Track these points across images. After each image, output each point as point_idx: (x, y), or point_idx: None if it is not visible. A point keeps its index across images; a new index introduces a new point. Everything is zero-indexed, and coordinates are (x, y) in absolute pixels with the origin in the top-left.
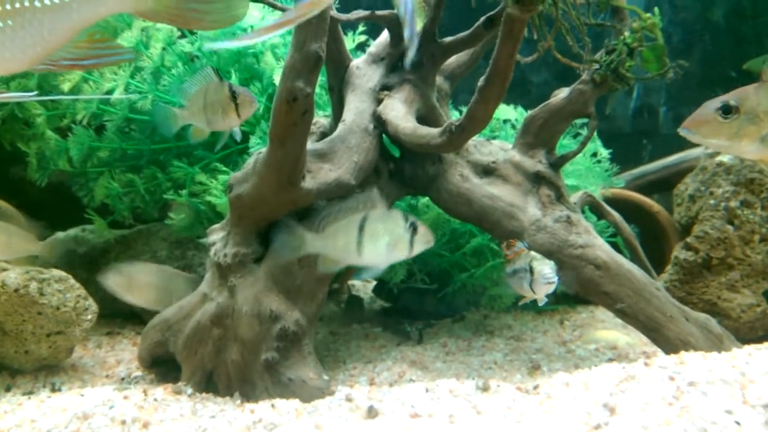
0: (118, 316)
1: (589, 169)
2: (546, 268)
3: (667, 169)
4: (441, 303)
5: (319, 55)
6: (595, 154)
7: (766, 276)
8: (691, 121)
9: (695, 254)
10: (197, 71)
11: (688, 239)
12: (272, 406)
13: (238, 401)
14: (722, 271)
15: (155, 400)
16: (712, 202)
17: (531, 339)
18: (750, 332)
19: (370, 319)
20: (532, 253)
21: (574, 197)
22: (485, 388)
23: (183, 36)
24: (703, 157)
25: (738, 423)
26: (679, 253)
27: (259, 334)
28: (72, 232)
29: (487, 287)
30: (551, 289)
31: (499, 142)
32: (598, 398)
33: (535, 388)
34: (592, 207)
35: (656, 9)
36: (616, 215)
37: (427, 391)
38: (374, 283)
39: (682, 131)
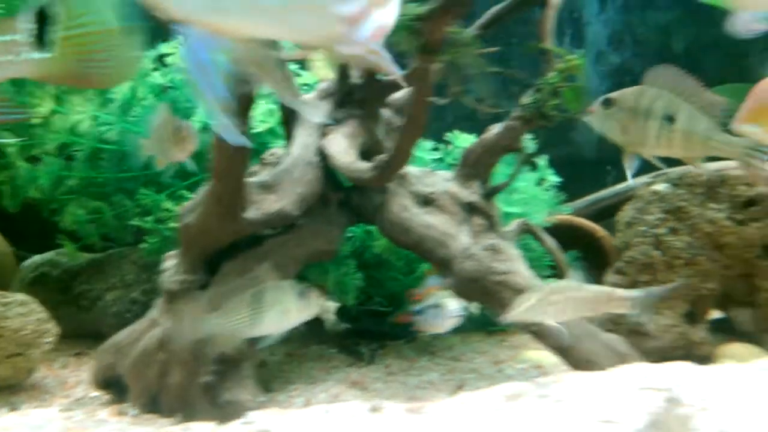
0: (88, 337)
1: (534, 197)
2: (454, 304)
3: (617, 196)
4: (396, 325)
5: (251, 96)
6: (540, 182)
7: (687, 299)
8: (591, 110)
9: (624, 278)
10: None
11: (618, 264)
12: (185, 429)
13: (159, 422)
14: None
15: (94, 420)
16: (642, 228)
17: (469, 359)
18: (673, 351)
19: (330, 341)
20: (441, 292)
21: (512, 225)
22: (375, 409)
23: (156, 69)
24: (642, 185)
25: None
26: (609, 277)
27: (199, 359)
28: (48, 255)
29: None
30: (457, 322)
31: (443, 173)
32: (468, 418)
33: (420, 408)
34: (531, 234)
35: (582, 51)
36: (550, 241)
37: (327, 412)
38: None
39: (585, 118)
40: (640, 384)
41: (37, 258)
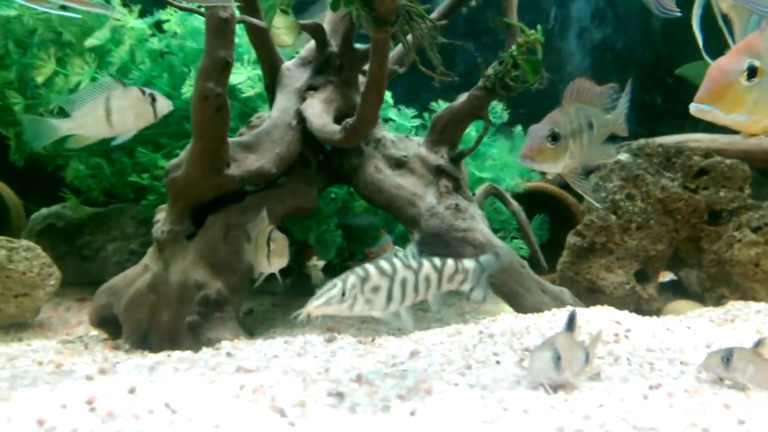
0: (91, 285)
1: (506, 164)
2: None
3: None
4: None
5: (227, 60)
6: (512, 150)
7: (637, 259)
8: (529, 151)
9: (582, 239)
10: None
11: (578, 227)
12: (168, 355)
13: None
14: (603, 255)
15: (88, 350)
16: (603, 194)
17: (437, 310)
18: (623, 306)
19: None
20: (396, 248)
21: (480, 189)
22: (330, 340)
23: (153, 35)
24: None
25: (498, 362)
26: (570, 238)
27: (185, 301)
28: (54, 208)
29: None
30: None
31: (417, 139)
32: (412, 347)
33: (373, 340)
34: (497, 197)
35: (539, 26)
36: (515, 204)
37: (285, 342)
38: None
39: (521, 161)
40: (561, 321)
41: (44, 210)
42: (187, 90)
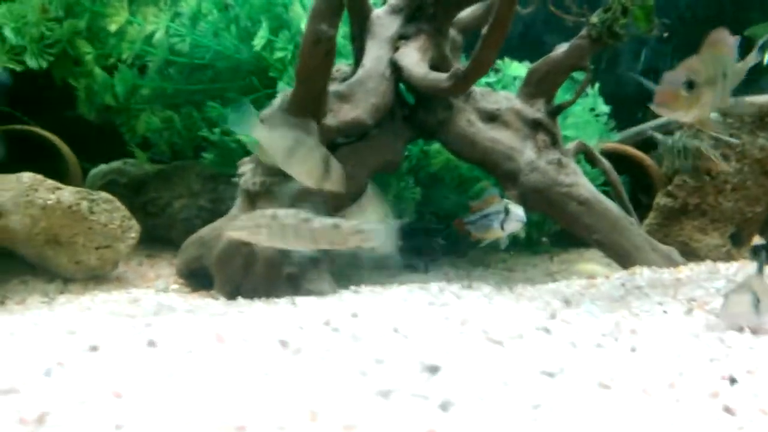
0: (157, 241)
1: (587, 122)
2: (519, 210)
3: (662, 127)
4: (446, 241)
5: (341, 1)
6: (593, 109)
7: (733, 221)
8: (663, 97)
9: (674, 200)
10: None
11: (669, 187)
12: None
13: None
14: (696, 216)
15: (188, 298)
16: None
17: (522, 270)
18: None
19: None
20: (505, 200)
21: (571, 145)
22: (469, 287)
23: None
24: None
25: (665, 312)
26: (659, 199)
27: (282, 253)
28: (115, 164)
29: None
30: (520, 226)
31: (504, 93)
32: (559, 296)
33: (511, 289)
34: (586, 155)
35: None
36: (606, 163)
37: (421, 288)
38: None
39: (653, 106)
40: (704, 275)
41: (103, 167)
42: (258, 43)
